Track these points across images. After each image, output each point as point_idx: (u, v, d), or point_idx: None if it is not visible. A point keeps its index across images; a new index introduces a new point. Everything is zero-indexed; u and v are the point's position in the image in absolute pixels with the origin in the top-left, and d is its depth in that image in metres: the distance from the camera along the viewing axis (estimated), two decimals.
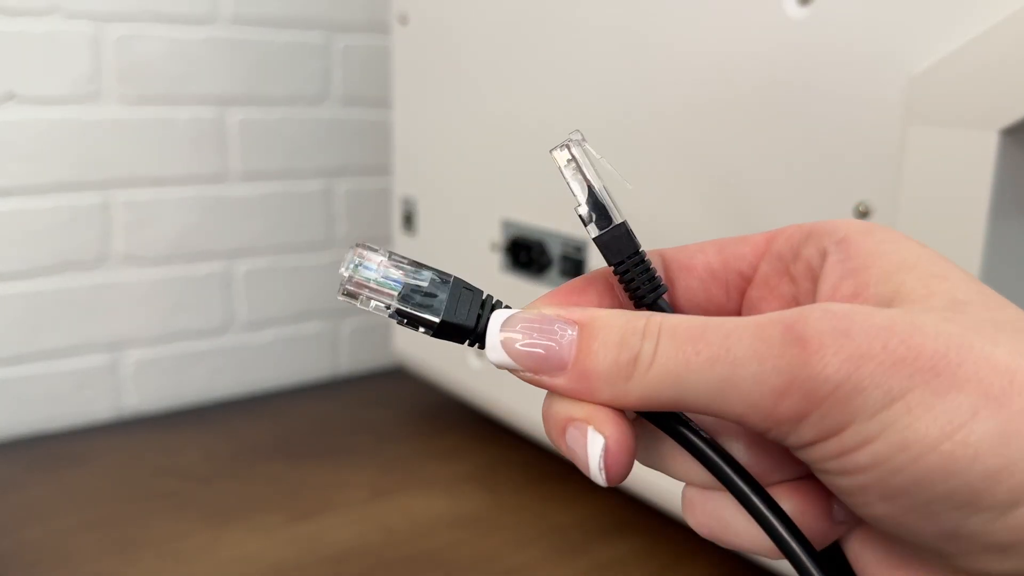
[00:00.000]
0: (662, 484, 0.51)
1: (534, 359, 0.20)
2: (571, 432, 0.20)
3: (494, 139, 0.60)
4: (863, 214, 0.38)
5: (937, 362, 0.16)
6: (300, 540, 0.54)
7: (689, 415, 0.20)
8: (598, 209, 0.21)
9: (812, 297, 0.20)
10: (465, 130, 0.63)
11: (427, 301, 0.21)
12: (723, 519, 0.21)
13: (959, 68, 0.34)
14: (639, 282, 0.21)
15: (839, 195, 0.39)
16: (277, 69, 0.77)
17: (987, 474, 0.16)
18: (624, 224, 0.21)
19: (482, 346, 0.21)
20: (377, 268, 0.21)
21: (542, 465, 0.64)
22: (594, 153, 0.21)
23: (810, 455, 0.18)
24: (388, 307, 0.21)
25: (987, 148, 0.33)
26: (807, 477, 0.20)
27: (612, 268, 0.21)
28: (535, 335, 0.20)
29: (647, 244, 0.22)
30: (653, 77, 0.47)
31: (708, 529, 0.21)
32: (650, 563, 0.52)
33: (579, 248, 0.54)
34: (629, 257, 0.21)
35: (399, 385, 0.81)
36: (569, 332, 0.19)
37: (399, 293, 0.21)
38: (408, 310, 0.21)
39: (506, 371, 0.20)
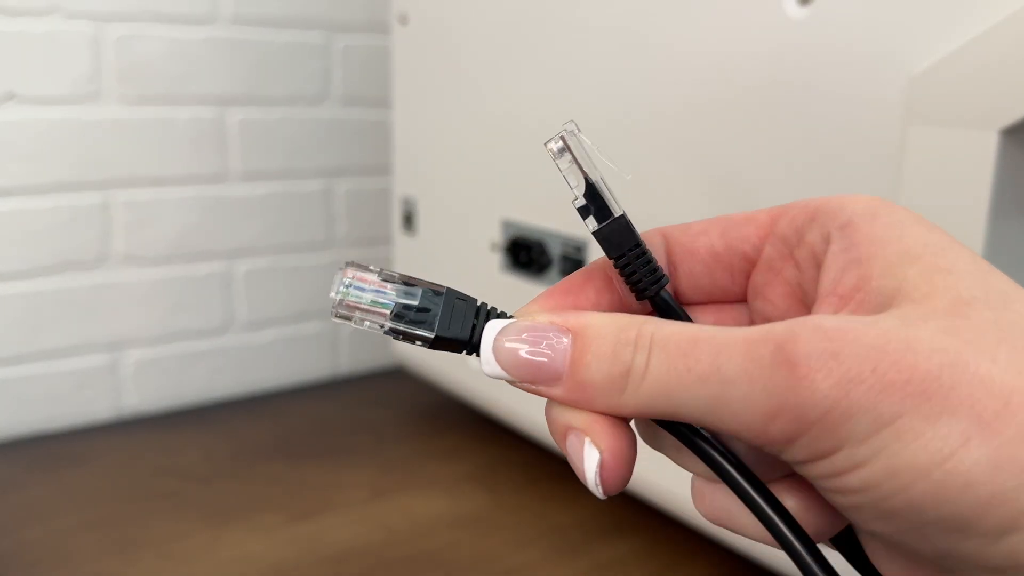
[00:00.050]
0: (662, 484, 0.51)
1: (529, 371, 0.20)
2: (571, 440, 0.20)
3: (494, 139, 0.60)
4: None
5: (929, 385, 0.16)
6: (300, 540, 0.54)
7: None
8: (596, 202, 0.21)
9: (815, 287, 0.20)
10: (465, 130, 0.63)
11: (421, 317, 0.21)
12: (729, 510, 0.21)
13: (959, 68, 0.34)
14: (640, 275, 0.21)
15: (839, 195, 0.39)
16: (277, 69, 0.77)
17: (977, 503, 0.15)
18: (624, 216, 0.21)
19: (479, 355, 0.20)
20: (367, 289, 0.21)
21: (542, 465, 0.64)
22: (589, 143, 0.21)
23: (805, 472, 0.18)
24: (382, 326, 0.21)
25: (987, 148, 0.33)
26: None
27: (612, 261, 0.21)
28: (529, 346, 0.20)
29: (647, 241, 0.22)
30: (653, 77, 0.47)
31: (715, 518, 0.21)
32: (650, 563, 0.52)
33: (579, 248, 0.54)
34: (630, 250, 0.21)
35: (399, 385, 0.81)
36: (564, 340, 0.19)
37: (391, 312, 0.21)
38: (402, 328, 0.21)
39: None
